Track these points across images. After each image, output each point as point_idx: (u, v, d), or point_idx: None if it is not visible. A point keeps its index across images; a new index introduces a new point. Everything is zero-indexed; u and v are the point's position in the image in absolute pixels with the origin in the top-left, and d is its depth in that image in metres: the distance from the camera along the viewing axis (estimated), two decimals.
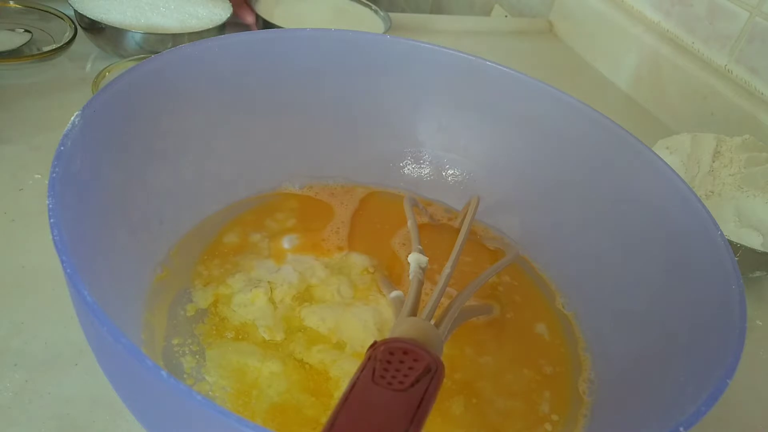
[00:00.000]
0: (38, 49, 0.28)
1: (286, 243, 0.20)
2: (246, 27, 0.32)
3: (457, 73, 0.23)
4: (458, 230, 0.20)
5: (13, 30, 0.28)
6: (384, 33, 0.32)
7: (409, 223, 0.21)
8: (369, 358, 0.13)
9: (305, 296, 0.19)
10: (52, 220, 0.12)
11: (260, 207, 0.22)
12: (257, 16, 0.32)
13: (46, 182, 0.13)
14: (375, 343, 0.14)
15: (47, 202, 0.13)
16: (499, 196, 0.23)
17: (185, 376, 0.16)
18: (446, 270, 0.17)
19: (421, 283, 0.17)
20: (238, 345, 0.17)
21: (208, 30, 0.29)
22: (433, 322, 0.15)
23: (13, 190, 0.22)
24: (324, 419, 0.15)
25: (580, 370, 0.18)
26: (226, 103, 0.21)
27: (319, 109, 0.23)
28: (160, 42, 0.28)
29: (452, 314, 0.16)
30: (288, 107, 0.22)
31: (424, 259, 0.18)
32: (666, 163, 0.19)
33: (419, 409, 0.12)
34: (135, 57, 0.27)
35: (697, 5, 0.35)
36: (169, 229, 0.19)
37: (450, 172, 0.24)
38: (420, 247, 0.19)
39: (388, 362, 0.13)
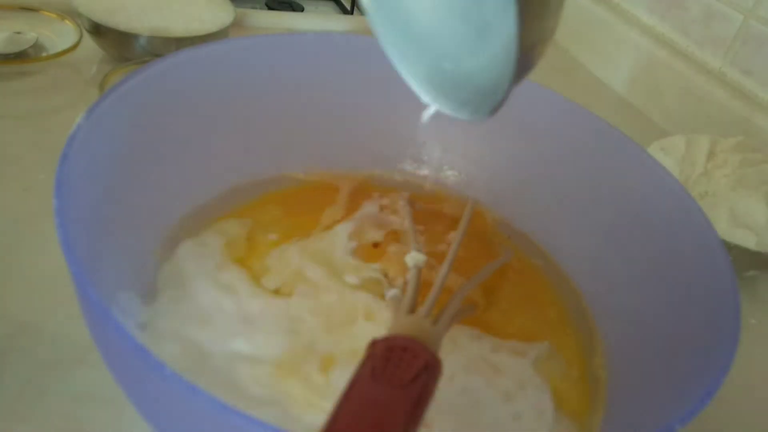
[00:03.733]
0: (44, 52, 0.28)
1: (289, 249, 0.20)
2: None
3: None
4: (456, 225, 0.21)
5: (18, 33, 0.29)
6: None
7: (407, 222, 0.21)
8: (368, 355, 0.13)
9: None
10: (58, 221, 0.12)
11: (260, 207, 0.22)
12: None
13: (51, 183, 0.13)
14: (374, 340, 0.14)
15: (53, 202, 0.13)
16: (497, 197, 0.23)
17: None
18: (443, 268, 0.17)
19: (419, 281, 0.17)
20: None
21: (212, 33, 0.30)
22: (430, 319, 0.16)
23: (18, 191, 0.22)
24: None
25: None
26: (230, 106, 0.21)
27: (319, 111, 0.23)
28: (164, 45, 0.28)
29: (449, 312, 0.16)
30: (289, 110, 0.22)
31: (421, 257, 0.18)
32: (661, 165, 0.19)
33: (418, 406, 0.12)
34: (140, 60, 0.28)
35: (692, 9, 0.35)
36: (174, 229, 0.19)
37: (450, 172, 0.24)
38: (417, 245, 0.19)
39: (387, 359, 0.13)
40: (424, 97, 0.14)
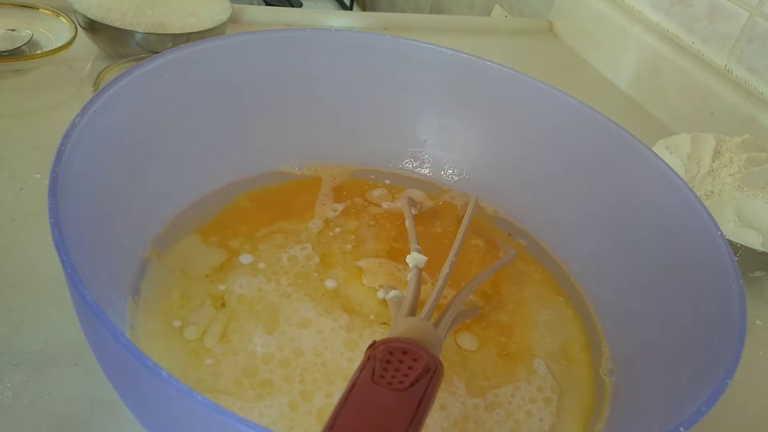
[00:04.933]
0: (39, 49, 0.28)
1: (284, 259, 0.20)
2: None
3: (457, 73, 0.23)
4: (458, 226, 0.20)
5: (13, 30, 0.28)
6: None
7: (407, 222, 0.21)
8: (368, 358, 0.13)
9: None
10: (52, 220, 0.12)
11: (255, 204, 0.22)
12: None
13: (46, 182, 0.13)
14: (374, 342, 0.14)
15: (47, 202, 0.13)
16: (499, 196, 0.23)
17: None
18: (444, 270, 0.17)
19: (419, 283, 0.17)
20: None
21: (209, 30, 0.29)
22: (431, 321, 0.15)
23: (13, 190, 0.22)
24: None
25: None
26: (226, 103, 0.21)
27: (318, 109, 0.23)
28: (160, 42, 0.28)
29: (451, 314, 0.16)
30: (287, 108, 0.22)
31: (422, 258, 0.18)
32: (666, 163, 0.19)
33: (419, 409, 0.12)
34: (135, 57, 0.27)
35: (697, 5, 0.35)
36: (171, 228, 0.19)
37: (450, 172, 0.24)
38: (418, 246, 0.19)
39: (388, 362, 0.13)
40: None
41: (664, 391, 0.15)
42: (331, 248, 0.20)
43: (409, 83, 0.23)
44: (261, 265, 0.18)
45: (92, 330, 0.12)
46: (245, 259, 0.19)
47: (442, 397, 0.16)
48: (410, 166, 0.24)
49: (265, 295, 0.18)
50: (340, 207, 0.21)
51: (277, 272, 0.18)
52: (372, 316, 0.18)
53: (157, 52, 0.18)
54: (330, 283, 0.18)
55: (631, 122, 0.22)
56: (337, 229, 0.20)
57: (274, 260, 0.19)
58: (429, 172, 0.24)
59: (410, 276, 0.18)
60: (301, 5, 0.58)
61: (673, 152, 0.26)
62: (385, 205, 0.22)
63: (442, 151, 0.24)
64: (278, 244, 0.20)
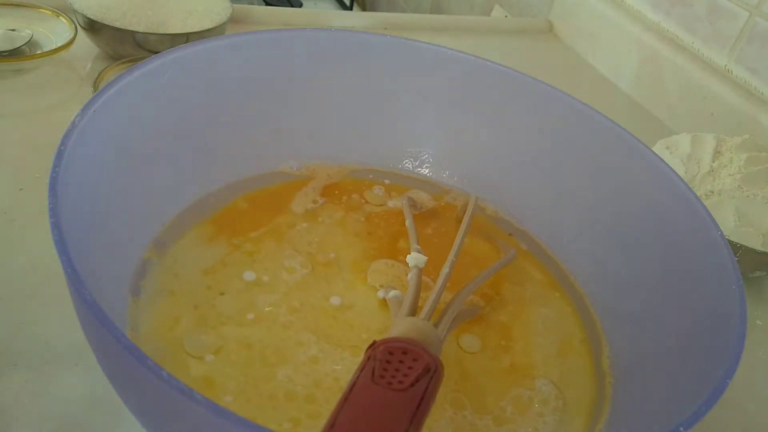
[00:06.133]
0: (39, 49, 0.28)
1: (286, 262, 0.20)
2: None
3: (457, 73, 0.23)
4: (457, 226, 0.20)
5: (13, 30, 0.28)
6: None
7: (407, 222, 0.21)
8: (368, 358, 0.13)
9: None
10: (52, 220, 0.12)
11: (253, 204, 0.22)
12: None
13: (46, 182, 0.13)
14: (374, 342, 0.14)
15: (47, 201, 0.13)
16: (499, 196, 0.23)
17: None
18: (444, 270, 0.17)
19: (419, 283, 0.17)
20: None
21: (208, 30, 0.29)
22: (431, 321, 0.15)
23: (13, 190, 0.22)
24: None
25: None
26: (226, 103, 0.21)
27: (318, 109, 0.23)
28: (159, 42, 0.28)
29: (451, 314, 0.16)
30: (287, 108, 0.22)
31: (422, 258, 0.18)
32: (666, 163, 0.19)
33: (419, 409, 0.12)
34: (135, 57, 0.27)
35: (697, 5, 0.35)
36: (170, 229, 0.19)
37: (450, 172, 0.24)
38: (418, 246, 0.19)
39: (388, 362, 0.13)
40: None
41: (664, 390, 0.15)
42: (324, 250, 0.20)
43: (409, 83, 0.23)
44: (265, 278, 0.18)
45: (92, 330, 0.12)
46: (249, 276, 0.18)
47: (446, 415, 0.15)
48: (410, 166, 0.24)
49: (261, 307, 0.18)
50: (324, 201, 0.21)
51: (278, 282, 0.18)
52: (365, 336, 0.17)
53: (157, 52, 0.18)
54: (335, 300, 0.18)
55: (631, 122, 0.22)
56: (324, 225, 0.20)
57: (273, 268, 0.18)
58: (429, 172, 0.24)
59: (410, 276, 0.18)
60: (301, 5, 0.58)
61: (673, 152, 0.26)
62: (391, 203, 0.22)
63: (442, 151, 0.24)
64: (277, 244, 0.20)
